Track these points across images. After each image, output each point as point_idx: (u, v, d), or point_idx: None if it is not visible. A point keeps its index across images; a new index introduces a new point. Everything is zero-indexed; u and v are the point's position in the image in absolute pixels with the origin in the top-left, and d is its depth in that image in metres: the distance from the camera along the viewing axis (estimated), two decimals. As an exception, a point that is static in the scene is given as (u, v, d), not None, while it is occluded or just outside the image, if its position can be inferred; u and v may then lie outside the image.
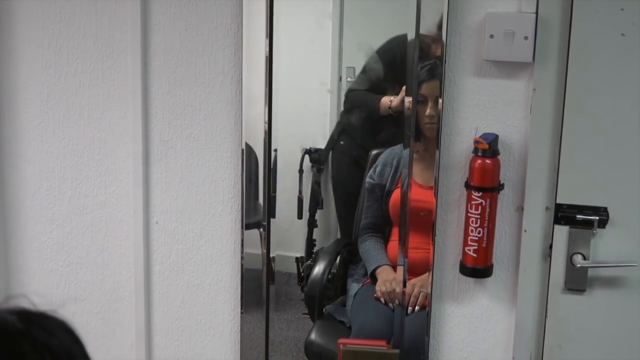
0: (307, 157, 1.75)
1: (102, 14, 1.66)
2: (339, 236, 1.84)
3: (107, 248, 1.80)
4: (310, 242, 1.82)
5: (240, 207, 1.64)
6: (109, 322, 1.83)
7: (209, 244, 1.71)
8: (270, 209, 1.65)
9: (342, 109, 1.71)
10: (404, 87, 1.49)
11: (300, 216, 1.77)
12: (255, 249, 1.75)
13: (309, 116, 1.80)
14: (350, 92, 1.68)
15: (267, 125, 1.58)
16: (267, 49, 1.53)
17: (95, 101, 1.72)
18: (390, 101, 1.55)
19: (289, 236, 1.83)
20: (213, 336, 1.74)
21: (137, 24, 1.62)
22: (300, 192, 1.76)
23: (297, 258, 1.80)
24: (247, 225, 1.68)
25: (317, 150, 1.73)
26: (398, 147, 1.57)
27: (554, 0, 1.36)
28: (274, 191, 1.70)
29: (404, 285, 1.57)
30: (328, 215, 1.80)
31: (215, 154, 1.66)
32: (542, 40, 1.36)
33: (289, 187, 1.74)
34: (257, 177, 1.66)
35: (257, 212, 1.76)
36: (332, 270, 1.78)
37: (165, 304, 1.77)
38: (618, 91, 1.36)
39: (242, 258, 1.68)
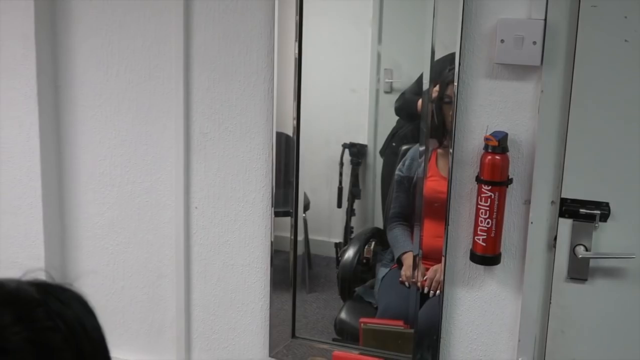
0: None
1: (149, 18, 1.75)
2: (374, 224, 1.89)
3: (151, 230, 1.88)
4: (348, 229, 1.88)
5: (270, 195, 1.71)
6: (154, 297, 1.92)
7: (242, 228, 1.78)
8: (297, 197, 1.71)
9: (384, 110, 1.76)
10: (434, 89, 1.52)
11: (339, 205, 1.84)
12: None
13: (344, 113, 1.85)
14: (400, 97, 1.72)
15: (295, 121, 1.65)
16: (297, 51, 1.61)
17: (143, 96, 1.81)
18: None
19: (329, 223, 1.90)
20: (245, 311, 1.82)
21: (180, 28, 1.71)
22: (340, 182, 1.83)
23: (335, 244, 1.87)
24: (287, 213, 1.74)
25: (355, 145, 1.79)
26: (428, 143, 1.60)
27: (561, 8, 1.38)
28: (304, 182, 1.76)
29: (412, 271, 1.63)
30: (365, 204, 1.87)
31: (249, 145, 1.73)
32: (549, 45, 1.40)
33: (331, 178, 1.83)
34: (290, 168, 1.72)
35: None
36: (366, 256, 1.84)
37: (203, 281, 1.85)
38: (620, 94, 1.39)
39: (271, 242, 1.74)
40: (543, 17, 1.40)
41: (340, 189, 1.84)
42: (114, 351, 2.16)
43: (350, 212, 1.85)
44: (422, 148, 1.59)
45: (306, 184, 1.79)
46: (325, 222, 1.92)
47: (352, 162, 1.81)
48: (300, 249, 1.83)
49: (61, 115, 1.92)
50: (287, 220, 1.75)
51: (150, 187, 1.86)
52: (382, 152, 1.79)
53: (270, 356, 1.79)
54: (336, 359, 1.60)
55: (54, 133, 1.92)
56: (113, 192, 1.90)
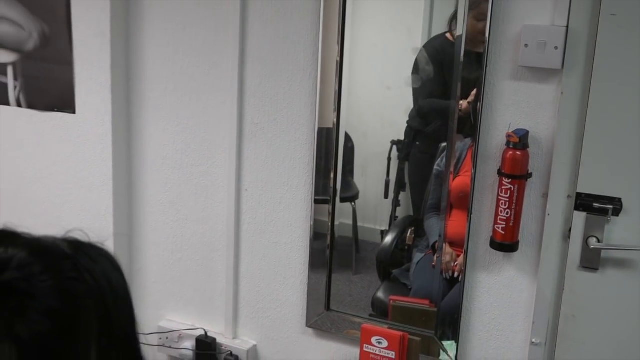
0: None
1: (209, 20, 1.86)
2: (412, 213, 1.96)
3: (207, 208, 1.99)
4: (392, 218, 1.96)
5: (312, 182, 1.81)
6: (206, 268, 2.03)
7: (286, 210, 1.88)
8: (335, 187, 1.81)
9: (414, 115, 1.81)
10: (472, 92, 1.57)
11: (386, 196, 1.91)
12: (347, 219, 1.94)
13: (388, 109, 1.92)
14: (422, 101, 1.79)
15: (335, 116, 1.75)
16: (339, 54, 1.70)
17: (202, 89, 1.92)
18: (460, 105, 1.62)
19: (376, 212, 1.98)
20: (286, 285, 1.93)
21: (237, 30, 1.81)
22: (387, 175, 1.90)
23: (381, 231, 1.96)
24: (326, 201, 1.83)
25: (402, 142, 1.86)
26: (462, 142, 1.66)
27: (582, 15, 1.43)
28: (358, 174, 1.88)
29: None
30: (409, 196, 1.94)
31: (294, 136, 1.82)
32: (570, 50, 1.45)
33: (380, 172, 1.90)
34: (330, 159, 1.80)
35: (351, 189, 1.93)
36: (407, 243, 1.92)
37: (250, 256, 1.96)
38: (635, 97, 1.42)
39: (311, 226, 1.84)
40: (565, 24, 1.45)
41: (387, 182, 1.91)
42: (171, 315, 2.34)
43: (396, 203, 1.92)
44: (459, 143, 1.65)
45: (358, 176, 1.89)
46: (373, 211, 1.99)
47: (398, 157, 1.88)
48: (349, 234, 1.94)
49: (131, 104, 2.04)
50: (346, 206, 1.84)
51: (207, 170, 1.97)
52: (404, 158, 1.86)
53: (306, 325, 1.90)
54: (364, 331, 1.69)
55: (124, 120, 2.04)
56: (174, 173, 2.01)
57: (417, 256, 1.88)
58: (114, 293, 0.74)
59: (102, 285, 0.72)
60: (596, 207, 1.48)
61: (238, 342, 2.01)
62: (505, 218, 1.54)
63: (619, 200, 1.47)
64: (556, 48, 1.45)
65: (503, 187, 1.53)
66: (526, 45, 1.48)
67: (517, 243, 1.57)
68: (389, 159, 1.88)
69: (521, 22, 1.49)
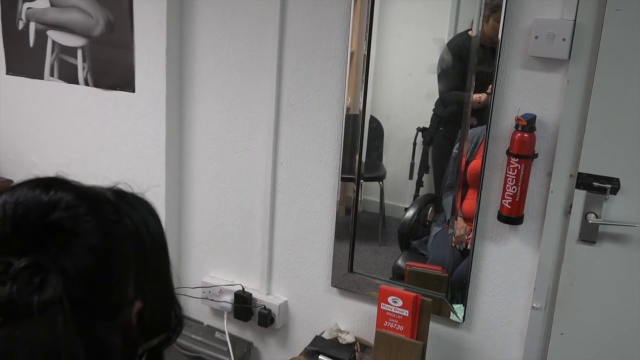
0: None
1: (253, 10, 1.94)
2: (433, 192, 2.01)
3: (246, 179, 2.07)
4: (416, 197, 2.01)
5: (340, 157, 1.88)
6: (245, 232, 2.12)
7: (317, 183, 1.96)
8: (360, 166, 1.88)
9: (439, 103, 1.85)
10: (490, 86, 1.62)
11: (410, 177, 1.96)
12: (375, 197, 2.00)
13: (413, 94, 1.95)
14: (446, 92, 1.83)
15: (362, 101, 1.82)
16: (366, 43, 1.77)
17: (245, 73, 1.99)
18: (480, 97, 1.67)
19: (402, 191, 2.02)
20: (315, 249, 2.01)
21: (277, 20, 1.88)
22: (412, 159, 1.95)
23: (405, 208, 2.01)
24: (369, 178, 1.90)
25: (426, 129, 1.90)
26: (479, 129, 1.70)
27: (589, 10, 1.46)
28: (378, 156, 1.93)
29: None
30: (431, 178, 1.98)
31: (325, 116, 1.89)
32: (577, 42, 1.48)
33: (406, 155, 1.95)
34: (356, 140, 1.86)
35: (379, 170, 1.99)
36: (428, 219, 1.97)
37: (284, 222, 2.04)
38: (635, 87, 1.45)
39: (337, 200, 1.91)
40: (573, 18, 1.48)
41: (412, 164, 1.96)
42: (213, 272, 2.45)
43: (419, 184, 1.98)
44: (476, 129, 1.70)
45: (388, 158, 1.96)
46: (399, 190, 2.03)
47: (423, 142, 1.93)
48: (376, 210, 2.00)
49: (183, 84, 2.13)
50: (374, 185, 1.92)
51: (247, 145, 2.05)
52: (428, 143, 1.91)
53: (331, 285, 1.99)
54: (382, 291, 1.77)
55: (177, 99, 2.13)
56: (219, 147, 2.11)
57: (435, 230, 1.94)
58: (151, 237, 0.77)
59: (140, 228, 0.75)
60: (596, 186, 1.52)
61: (271, 297, 2.11)
62: (512, 194, 1.59)
63: (617, 180, 1.51)
64: (564, 40, 1.49)
65: (511, 166, 1.58)
66: (536, 37, 1.52)
67: (522, 217, 1.63)
68: (414, 144, 1.93)
69: (533, 16, 1.53)
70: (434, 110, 1.87)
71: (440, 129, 1.89)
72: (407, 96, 1.99)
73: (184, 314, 0.91)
